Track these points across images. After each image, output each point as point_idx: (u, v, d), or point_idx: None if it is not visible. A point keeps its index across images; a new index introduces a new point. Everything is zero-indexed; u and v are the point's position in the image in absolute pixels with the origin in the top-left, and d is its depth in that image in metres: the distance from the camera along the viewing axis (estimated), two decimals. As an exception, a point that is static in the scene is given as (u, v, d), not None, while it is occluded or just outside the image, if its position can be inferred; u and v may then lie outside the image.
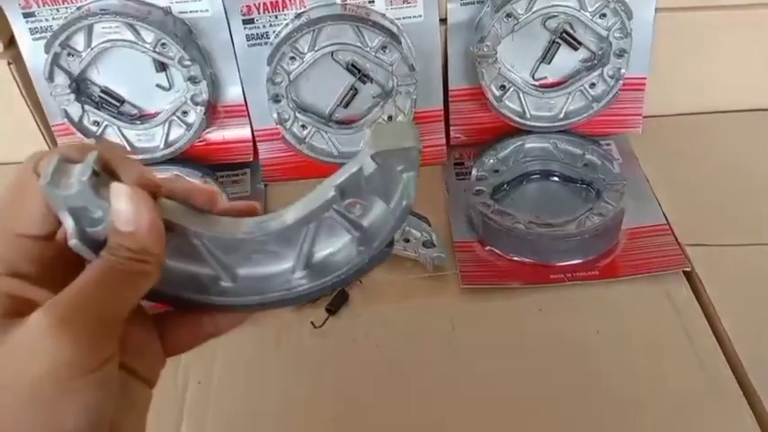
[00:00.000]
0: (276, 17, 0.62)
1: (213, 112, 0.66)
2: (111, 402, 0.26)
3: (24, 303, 0.26)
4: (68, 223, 0.26)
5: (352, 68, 0.64)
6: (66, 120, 0.64)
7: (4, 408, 0.24)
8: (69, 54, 0.62)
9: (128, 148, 0.66)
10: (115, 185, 0.26)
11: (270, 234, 0.30)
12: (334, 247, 0.31)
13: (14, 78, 0.65)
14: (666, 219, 0.62)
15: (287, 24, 0.62)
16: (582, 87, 0.66)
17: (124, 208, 0.26)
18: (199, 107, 0.64)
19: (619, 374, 0.51)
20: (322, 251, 0.31)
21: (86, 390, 0.24)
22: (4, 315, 0.25)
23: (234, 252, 0.30)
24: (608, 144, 0.69)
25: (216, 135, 0.68)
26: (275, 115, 0.65)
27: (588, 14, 0.63)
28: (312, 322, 0.54)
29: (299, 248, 0.31)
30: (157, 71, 0.65)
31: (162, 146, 0.66)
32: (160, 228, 0.27)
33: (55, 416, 0.24)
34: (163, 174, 0.66)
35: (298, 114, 0.65)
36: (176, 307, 0.31)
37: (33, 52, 0.63)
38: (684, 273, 0.58)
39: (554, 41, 0.65)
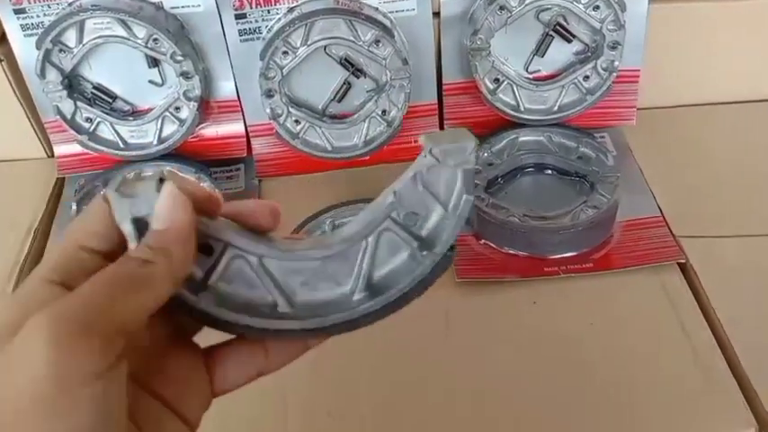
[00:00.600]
0: (268, 12, 0.62)
1: (206, 107, 0.66)
2: (111, 429, 0.23)
3: None
4: (128, 230, 0.26)
5: (346, 63, 0.64)
6: (58, 116, 0.64)
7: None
8: (61, 50, 0.61)
9: (121, 144, 0.66)
10: (166, 183, 0.26)
11: (331, 247, 0.30)
12: (394, 264, 0.31)
13: (6, 75, 0.65)
14: (661, 211, 0.62)
15: (279, 19, 0.62)
16: (576, 80, 0.66)
17: (163, 204, 0.26)
18: (192, 103, 0.64)
19: (613, 366, 0.51)
20: (382, 270, 0.31)
21: (72, 412, 0.22)
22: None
23: (294, 275, 0.30)
24: (602, 137, 0.69)
25: (209, 131, 0.68)
26: (268, 110, 0.64)
27: (581, 6, 0.63)
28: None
29: (358, 267, 0.30)
30: (150, 67, 0.64)
31: (155, 142, 0.66)
32: (187, 233, 0.26)
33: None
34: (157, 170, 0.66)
35: (291, 109, 0.65)
36: (234, 333, 0.30)
37: (25, 49, 0.62)
38: (679, 264, 0.58)
39: (547, 34, 0.65)
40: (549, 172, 0.66)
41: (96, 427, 0.23)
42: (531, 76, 0.67)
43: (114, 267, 0.25)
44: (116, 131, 0.66)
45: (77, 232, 0.27)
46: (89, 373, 0.22)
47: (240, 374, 0.31)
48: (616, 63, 0.65)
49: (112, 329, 0.23)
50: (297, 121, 0.66)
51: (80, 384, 0.22)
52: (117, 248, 0.27)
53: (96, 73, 0.64)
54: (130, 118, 0.66)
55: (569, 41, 0.66)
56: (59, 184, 0.69)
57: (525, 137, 0.67)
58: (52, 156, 0.70)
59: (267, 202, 0.30)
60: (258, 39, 0.63)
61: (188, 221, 0.26)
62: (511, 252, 0.59)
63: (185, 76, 0.63)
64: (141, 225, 0.27)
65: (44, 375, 0.22)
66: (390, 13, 0.63)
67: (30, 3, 0.61)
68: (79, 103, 0.64)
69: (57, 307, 0.23)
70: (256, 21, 0.62)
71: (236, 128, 0.68)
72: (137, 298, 0.25)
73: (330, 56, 0.64)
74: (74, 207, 0.63)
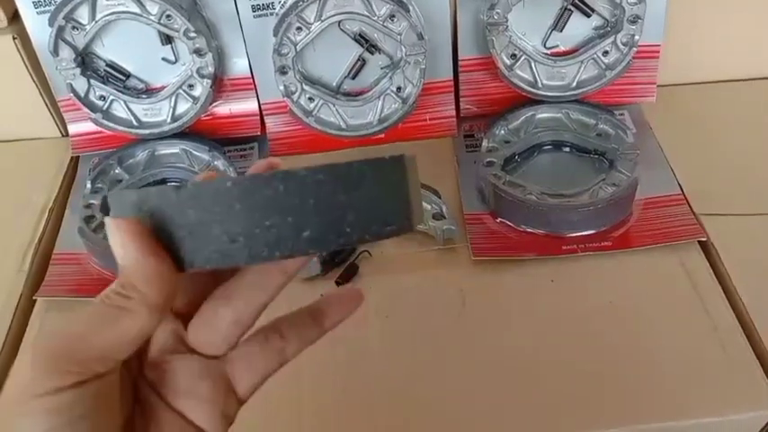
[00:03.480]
0: (282, -14, 0.61)
1: (220, 85, 0.66)
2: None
3: None
4: None
5: (360, 39, 0.63)
6: (71, 95, 0.63)
7: None
8: (74, 27, 0.61)
9: (134, 122, 0.66)
10: (107, 219, 0.26)
11: None
12: None
13: (20, 53, 0.65)
14: (681, 188, 0.61)
15: (293, -6, 0.61)
16: (595, 55, 0.65)
17: (112, 241, 0.26)
18: (205, 80, 0.64)
19: (632, 345, 0.51)
20: None
21: (39, 413, 0.24)
22: None
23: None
24: (621, 114, 0.68)
25: (223, 109, 0.67)
26: (282, 88, 0.64)
27: (601, -21, 0.61)
28: (322, 294, 0.54)
29: None
30: (163, 44, 0.64)
31: (169, 120, 0.65)
32: (151, 267, 0.25)
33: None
34: (171, 149, 0.66)
35: (305, 86, 0.64)
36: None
37: (38, 26, 0.62)
38: (700, 243, 0.57)
39: (566, 8, 0.64)
40: (568, 149, 0.65)
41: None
42: (548, 52, 0.66)
43: (96, 301, 0.26)
44: (129, 109, 0.65)
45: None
46: (51, 389, 0.25)
47: (259, 371, 0.31)
48: (636, 38, 0.63)
49: (90, 356, 0.25)
50: (311, 99, 0.65)
51: (38, 396, 0.24)
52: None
53: (109, 50, 0.64)
54: (144, 96, 0.65)
55: (588, 16, 0.64)
56: (74, 163, 0.69)
57: (543, 114, 0.66)
58: (66, 135, 0.69)
59: (266, 159, 0.30)
60: (271, 14, 0.62)
61: (147, 256, 0.25)
62: (528, 230, 0.59)
63: (198, 53, 0.62)
64: None
65: (20, 386, 0.25)
66: (405, -13, 0.62)
67: (42, -21, 0.60)
68: (92, 81, 0.64)
69: (48, 337, 0.26)
70: (270, -4, 0.62)
71: (249, 106, 0.67)
72: (113, 330, 0.26)
73: (344, 31, 0.63)
74: (88, 186, 0.62)
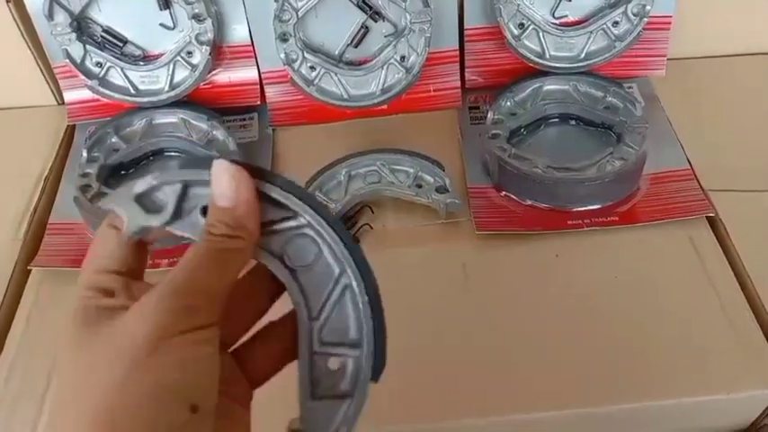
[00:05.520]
0: (283, -50, 0.59)
1: (219, 52, 0.64)
2: (207, 366, 0.27)
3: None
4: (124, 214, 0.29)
5: (363, 5, 0.61)
6: (67, 60, 0.62)
7: (113, 369, 0.25)
8: (69, -9, 0.59)
9: (132, 90, 0.64)
10: (217, 162, 0.28)
11: None
12: None
13: (13, 17, 0.63)
14: (690, 163, 0.60)
15: (295, -42, 0.59)
16: (604, 26, 0.63)
17: (225, 184, 0.28)
18: (204, 47, 0.62)
19: (638, 321, 0.50)
20: None
21: (180, 347, 0.26)
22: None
23: None
24: (630, 87, 0.66)
25: (222, 77, 0.65)
26: (283, 55, 0.62)
27: (613, -54, 0.59)
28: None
29: None
30: (161, 9, 0.62)
31: (167, 88, 0.64)
32: (256, 205, 0.28)
33: (152, 370, 0.25)
34: (169, 117, 0.65)
35: (306, 54, 0.62)
36: None
37: (32, -11, 0.60)
38: (708, 219, 0.56)
39: (576, -24, 0.62)
40: (575, 122, 0.63)
41: (186, 375, 0.26)
42: (557, 22, 0.64)
43: (206, 245, 0.27)
44: (127, 77, 0.64)
45: (92, 262, 0.29)
46: (178, 328, 0.26)
47: (269, 365, 0.32)
48: (648, 8, 0.61)
49: (210, 297, 0.27)
50: (312, 68, 0.63)
51: (170, 336, 0.26)
52: (134, 266, 0.29)
53: (106, 15, 0.62)
54: (141, 63, 0.64)
55: (599, -16, 0.63)
56: (70, 132, 0.67)
57: (550, 86, 0.64)
58: (62, 103, 0.68)
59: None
60: (272, -21, 0.60)
61: (253, 195, 0.28)
62: (533, 204, 0.58)
63: (197, 18, 0.61)
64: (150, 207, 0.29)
65: (143, 329, 0.26)
66: (411, -48, 0.60)
67: (36, -60, 0.58)
68: (89, 47, 0.62)
69: (166, 283, 0.27)
70: (271, -40, 0.60)
71: (249, 74, 0.65)
72: (228, 269, 0.28)
73: (347, -2, 0.61)
74: (84, 154, 0.61)
